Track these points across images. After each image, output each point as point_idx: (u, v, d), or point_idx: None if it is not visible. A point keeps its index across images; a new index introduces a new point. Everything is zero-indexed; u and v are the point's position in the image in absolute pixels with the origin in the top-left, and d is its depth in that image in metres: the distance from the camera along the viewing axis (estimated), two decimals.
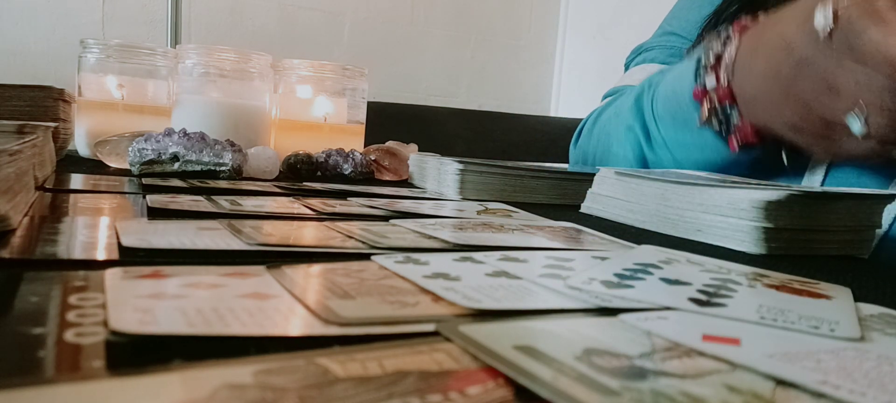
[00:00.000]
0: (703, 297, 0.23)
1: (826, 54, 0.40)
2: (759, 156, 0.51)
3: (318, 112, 0.74)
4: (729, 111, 0.49)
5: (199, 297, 0.19)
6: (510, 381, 0.15)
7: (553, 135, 1.60)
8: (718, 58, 0.49)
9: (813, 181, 0.51)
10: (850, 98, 0.39)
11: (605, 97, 0.78)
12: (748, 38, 0.48)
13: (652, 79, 0.60)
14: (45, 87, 0.62)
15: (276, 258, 0.25)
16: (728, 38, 0.49)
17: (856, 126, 0.39)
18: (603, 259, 0.29)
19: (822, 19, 0.39)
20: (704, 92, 0.50)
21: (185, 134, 0.54)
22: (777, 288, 0.26)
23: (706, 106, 0.50)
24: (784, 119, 0.44)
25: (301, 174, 0.62)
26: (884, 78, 0.37)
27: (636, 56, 0.78)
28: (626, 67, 0.80)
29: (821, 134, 0.43)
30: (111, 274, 0.21)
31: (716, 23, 0.62)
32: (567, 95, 2.20)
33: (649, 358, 0.17)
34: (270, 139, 0.73)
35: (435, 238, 0.32)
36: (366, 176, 0.65)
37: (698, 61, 0.51)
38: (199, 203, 0.38)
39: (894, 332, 0.21)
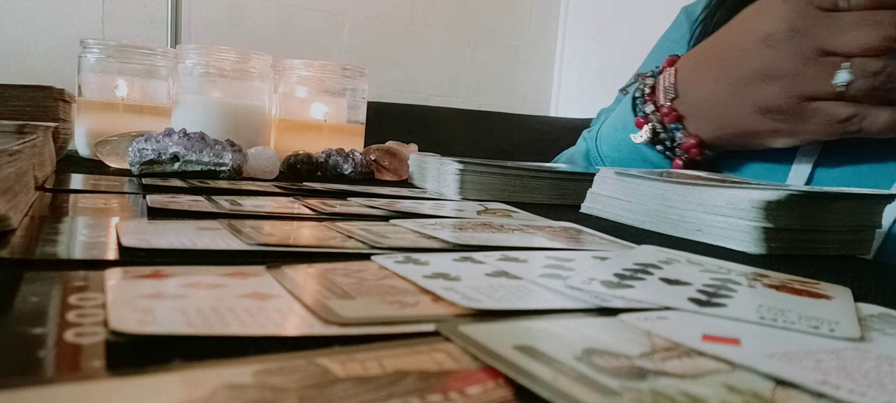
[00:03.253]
0: (703, 297, 0.23)
1: (815, 23, 0.45)
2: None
3: (317, 112, 0.74)
4: (673, 130, 0.54)
5: (199, 297, 0.19)
6: (510, 381, 0.15)
7: (553, 135, 1.60)
8: (653, 88, 0.56)
9: (798, 180, 0.51)
10: (834, 63, 0.44)
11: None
12: (685, 60, 0.55)
13: (591, 129, 0.68)
14: (45, 87, 0.62)
15: (276, 258, 0.25)
16: (658, 71, 0.56)
17: (842, 77, 0.44)
18: (603, 259, 0.29)
19: None
20: (645, 119, 0.56)
21: (185, 134, 0.54)
22: (777, 288, 0.26)
23: (647, 129, 0.55)
24: (740, 118, 0.50)
25: (301, 174, 0.62)
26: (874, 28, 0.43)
27: (598, 119, 0.84)
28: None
29: (792, 110, 0.47)
30: (111, 274, 0.21)
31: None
32: (567, 95, 2.20)
33: (649, 358, 0.17)
34: (270, 139, 0.73)
35: (435, 238, 0.32)
36: (366, 176, 0.65)
37: (634, 97, 0.57)
38: (199, 203, 0.38)
39: (894, 332, 0.21)
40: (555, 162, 0.80)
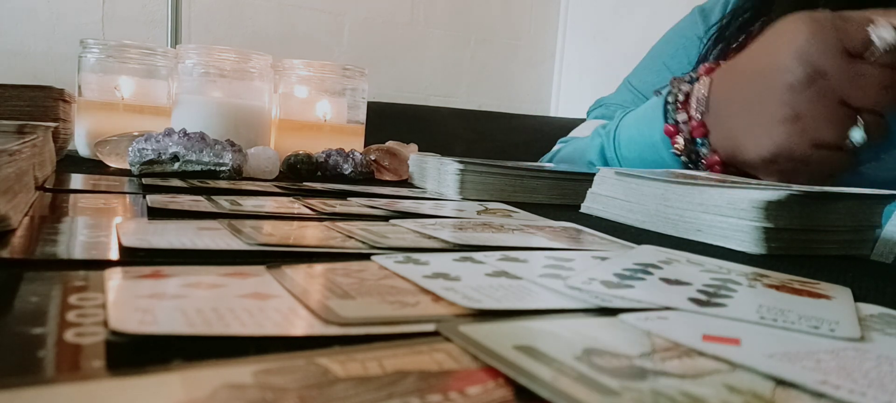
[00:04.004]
0: (703, 297, 0.23)
1: (841, 67, 0.43)
2: None
3: (318, 112, 0.74)
4: (699, 144, 0.53)
5: (199, 297, 0.19)
6: (510, 381, 0.15)
7: (553, 135, 1.59)
8: (687, 96, 0.53)
9: None
10: (858, 104, 0.43)
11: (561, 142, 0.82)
12: (721, 74, 0.52)
13: (607, 127, 0.65)
14: (45, 87, 0.62)
15: (276, 258, 0.25)
16: (695, 78, 0.54)
17: (858, 136, 0.43)
18: (603, 259, 0.29)
19: (890, 34, 0.42)
20: (676, 128, 0.54)
21: (185, 134, 0.54)
22: (777, 288, 0.26)
23: (680, 139, 0.54)
24: (764, 143, 0.47)
25: (301, 174, 0.62)
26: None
27: (597, 107, 0.84)
28: (588, 115, 0.86)
29: (801, 156, 0.45)
30: (111, 274, 0.21)
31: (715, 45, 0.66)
32: (567, 95, 2.20)
33: (649, 358, 0.17)
34: (270, 139, 0.73)
35: (435, 238, 0.32)
36: (366, 176, 0.65)
37: (666, 101, 0.55)
38: (199, 203, 0.38)
39: (894, 332, 0.21)
40: (553, 152, 0.81)
